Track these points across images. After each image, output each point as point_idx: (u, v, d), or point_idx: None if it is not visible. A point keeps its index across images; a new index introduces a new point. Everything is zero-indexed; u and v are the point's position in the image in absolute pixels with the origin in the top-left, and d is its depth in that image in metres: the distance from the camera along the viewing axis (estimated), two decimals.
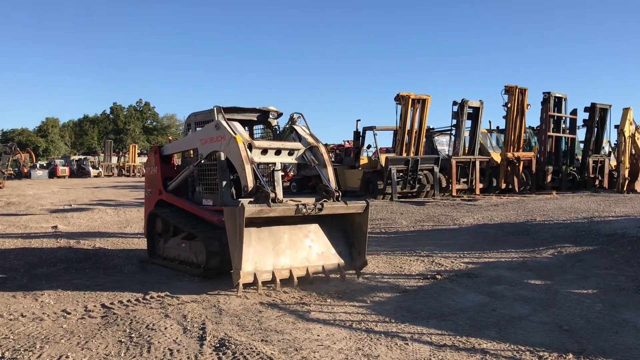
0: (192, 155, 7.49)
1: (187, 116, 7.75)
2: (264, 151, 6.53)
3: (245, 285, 5.88)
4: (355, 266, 6.69)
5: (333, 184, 6.64)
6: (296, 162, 6.94)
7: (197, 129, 7.37)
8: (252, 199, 5.92)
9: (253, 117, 7.57)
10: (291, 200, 6.42)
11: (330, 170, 6.76)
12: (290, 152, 6.78)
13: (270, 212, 5.87)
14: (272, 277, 6.03)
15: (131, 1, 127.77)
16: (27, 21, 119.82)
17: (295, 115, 7.20)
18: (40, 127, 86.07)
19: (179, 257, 7.21)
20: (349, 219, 6.73)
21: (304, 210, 6.06)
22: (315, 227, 6.58)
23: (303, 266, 6.32)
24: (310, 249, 6.48)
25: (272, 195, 5.92)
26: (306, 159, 6.87)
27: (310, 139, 6.88)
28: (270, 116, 7.58)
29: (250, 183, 6.01)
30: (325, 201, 6.33)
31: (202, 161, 6.94)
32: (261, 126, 7.82)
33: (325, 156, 6.83)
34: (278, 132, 7.56)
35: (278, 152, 6.68)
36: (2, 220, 13.78)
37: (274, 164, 7.06)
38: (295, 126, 7.10)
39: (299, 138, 6.93)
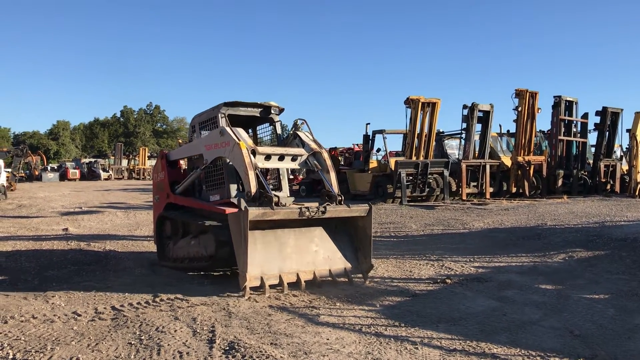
0: (197, 157, 7.54)
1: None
2: (268, 157, 6.60)
3: (253, 289, 5.92)
4: (362, 270, 6.71)
5: (336, 189, 6.68)
6: (299, 167, 7.00)
7: (202, 132, 7.46)
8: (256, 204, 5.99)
9: (256, 112, 7.63)
10: (295, 204, 6.45)
11: (333, 175, 6.81)
12: (294, 158, 6.84)
13: (274, 215, 5.93)
14: (279, 280, 6.06)
15: (142, 5, 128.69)
16: (39, 25, 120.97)
17: (299, 122, 7.33)
18: (52, 130, 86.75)
19: (189, 255, 7.23)
20: (353, 222, 6.77)
21: (307, 213, 6.10)
22: (320, 232, 6.62)
23: (310, 270, 6.35)
24: (316, 253, 6.51)
25: (275, 199, 5.99)
26: (309, 164, 6.92)
27: (313, 145, 6.94)
28: (272, 111, 7.66)
29: (254, 188, 6.07)
30: (328, 204, 6.37)
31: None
32: (268, 126, 7.87)
33: (328, 162, 6.89)
34: (282, 132, 7.67)
35: (281, 157, 6.74)
36: (13, 222, 13.89)
37: None
38: (298, 132, 7.18)
39: (303, 144, 7.00)
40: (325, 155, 6.92)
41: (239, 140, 6.37)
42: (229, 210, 6.32)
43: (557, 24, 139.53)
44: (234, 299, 5.87)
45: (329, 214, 6.31)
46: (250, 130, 7.97)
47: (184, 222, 7.45)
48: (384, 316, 5.30)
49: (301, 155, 6.85)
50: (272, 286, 6.04)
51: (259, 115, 7.63)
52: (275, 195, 6.06)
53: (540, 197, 19.06)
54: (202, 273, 7.43)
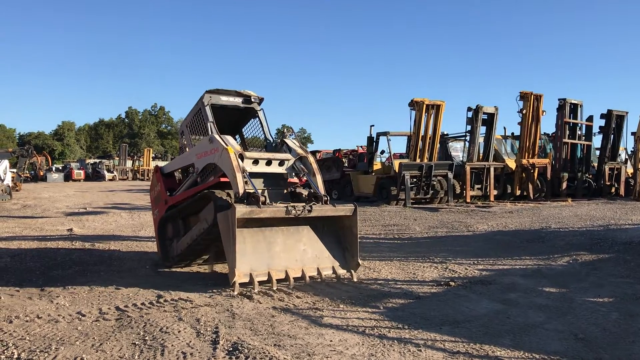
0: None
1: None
2: (255, 161, 6.86)
3: (242, 285, 6.12)
4: (349, 268, 6.89)
5: (322, 191, 6.97)
6: (286, 171, 7.22)
7: (192, 135, 7.78)
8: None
9: (239, 102, 7.91)
10: (281, 203, 6.63)
11: (319, 178, 7.11)
12: (281, 163, 7.11)
13: (261, 213, 6.16)
14: (268, 277, 6.26)
15: (147, 6, 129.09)
16: (44, 25, 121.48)
17: (285, 130, 7.53)
18: (57, 130, 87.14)
19: (192, 239, 7.26)
20: (340, 222, 7.03)
21: (294, 211, 6.35)
22: (308, 232, 6.87)
23: (298, 267, 6.57)
24: (304, 252, 6.75)
25: (262, 199, 6.20)
26: (296, 169, 7.21)
27: (299, 150, 7.26)
28: (253, 100, 7.95)
29: (241, 189, 6.30)
30: (314, 204, 6.61)
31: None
32: (253, 121, 8.11)
33: (314, 165, 7.17)
34: (266, 121, 8.00)
35: (269, 162, 7.00)
36: (18, 222, 13.94)
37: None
38: (285, 139, 7.50)
39: (289, 150, 7.30)
40: (311, 159, 7.24)
41: (227, 145, 6.65)
42: (224, 178, 6.65)
43: (562, 25, 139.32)
44: (238, 300, 5.89)
45: (315, 213, 6.54)
46: (238, 137, 8.34)
47: (184, 218, 7.53)
48: (387, 318, 5.30)
49: (288, 160, 7.15)
50: (261, 282, 6.19)
51: (241, 104, 7.91)
52: (262, 195, 6.27)
53: (545, 200, 19.04)
54: (206, 272, 7.46)
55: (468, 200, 18.44)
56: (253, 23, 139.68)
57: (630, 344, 4.55)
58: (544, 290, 6.48)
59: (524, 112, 19.28)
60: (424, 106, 18.08)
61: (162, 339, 4.59)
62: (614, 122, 20.94)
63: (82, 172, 50.39)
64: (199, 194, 7.07)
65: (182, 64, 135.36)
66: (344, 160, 25.21)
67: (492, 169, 19.16)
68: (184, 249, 7.43)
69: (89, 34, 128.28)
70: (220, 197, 6.63)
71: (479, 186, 19.29)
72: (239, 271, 6.02)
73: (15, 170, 29.13)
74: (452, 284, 6.77)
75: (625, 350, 4.38)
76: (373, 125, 20.38)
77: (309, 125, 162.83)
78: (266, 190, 6.96)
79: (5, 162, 23.89)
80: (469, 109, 18.87)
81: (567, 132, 20.26)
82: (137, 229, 12.69)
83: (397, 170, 18.50)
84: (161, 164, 8.20)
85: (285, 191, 7.22)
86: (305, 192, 7.07)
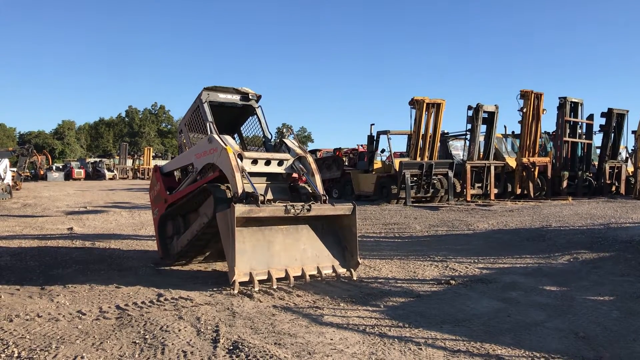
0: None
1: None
2: (254, 161, 6.88)
3: (242, 284, 6.14)
4: (349, 267, 6.90)
5: (321, 190, 7.01)
6: (285, 171, 7.24)
7: (190, 133, 7.83)
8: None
9: (236, 99, 7.96)
10: (280, 202, 6.65)
11: (317, 178, 7.14)
12: (280, 163, 7.13)
13: (260, 212, 6.18)
14: (268, 275, 6.26)
15: (148, 4, 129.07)
16: (44, 24, 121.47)
17: (284, 130, 7.61)
18: (57, 129, 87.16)
19: (192, 235, 7.29)
20: (339, 221, 7.06)
21: (293, 210, 6.36)
22: (307, 231, 6.89)
23: (298, 266, 6.58)
24: (304, 251, 6.76)
25: (261, 198, 6.24)
26: (295, 169, 7.23)
27: (298, 150, 7.28)
28: (250, 97, 8.02)
29: (240, 189, 6.33)
30: (313, 203, 6.64)
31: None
32: (252, 119, 8.16)
33: (313, 165, 7.21)
34: (264, 118, 8.06)
35: (268, 162, 7.01)
36: (18, 221, 13.94)
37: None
38: (284, 139, 7.53)
39: (288, 150, 7.33)
40: (310, 159, 7.26)
41: (225, 145, 6.67)
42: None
43: (562, 24, 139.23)
44: (238, 298, 5.89)
45: (314, 212, 6.56)
46: (236, 136, 8.36)
47: (184, 215, 7.55)
48: (387, 317, 5.30)
49: (287, 160, 7.17)
50: (261, 281, 6.19)
51: (239, 102, 7.96)
52: (260, 195, 6.29)
53: (545, 199, 19.03)
54: (206, 271, 7.46)
55: (468, 198, 18.42)
56: (253, 22, 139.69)
57: (631, 342, 4.54)
58: (544, 289, 6.48)
59: (525, 110, 19.26)
60: (425, 105, 18.07)
61: (163, 338, 4.59)
62: (614, 121, 20.93)
63: (82, 171, 50.45)
64: (198, 188, 7.08)
65: (182, 63, 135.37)
66: (344, 159, 25.19)
67: (492, 168, 19.14)
68: (185, 245, 7.43)
69: (89, 33, 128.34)
70: (220, 189, 6.64)
71: (480, 185, 19.27)
72: (239, 270, 6.04)
73: (15, 169, 29.14)
74: (453, 282, 6.77)
75: (626, 349, 4.38)
76: (373, 124, 20.40)
77: (309, 124, 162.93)
78: (269, 190, 6.95)
79: (6, 161, 23.89)
80: (470, 108, 18.85)
81: (568, 131, 20.25)
82: (138, 227, 12.68)
83: (397, 169, 18.48)
84: (161, 163, 8.16)
85: (290, 183, 7.26)
86: (308, 187, 7.09)
